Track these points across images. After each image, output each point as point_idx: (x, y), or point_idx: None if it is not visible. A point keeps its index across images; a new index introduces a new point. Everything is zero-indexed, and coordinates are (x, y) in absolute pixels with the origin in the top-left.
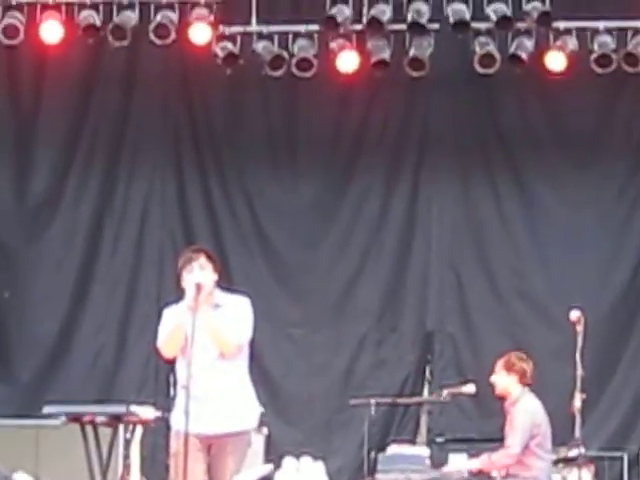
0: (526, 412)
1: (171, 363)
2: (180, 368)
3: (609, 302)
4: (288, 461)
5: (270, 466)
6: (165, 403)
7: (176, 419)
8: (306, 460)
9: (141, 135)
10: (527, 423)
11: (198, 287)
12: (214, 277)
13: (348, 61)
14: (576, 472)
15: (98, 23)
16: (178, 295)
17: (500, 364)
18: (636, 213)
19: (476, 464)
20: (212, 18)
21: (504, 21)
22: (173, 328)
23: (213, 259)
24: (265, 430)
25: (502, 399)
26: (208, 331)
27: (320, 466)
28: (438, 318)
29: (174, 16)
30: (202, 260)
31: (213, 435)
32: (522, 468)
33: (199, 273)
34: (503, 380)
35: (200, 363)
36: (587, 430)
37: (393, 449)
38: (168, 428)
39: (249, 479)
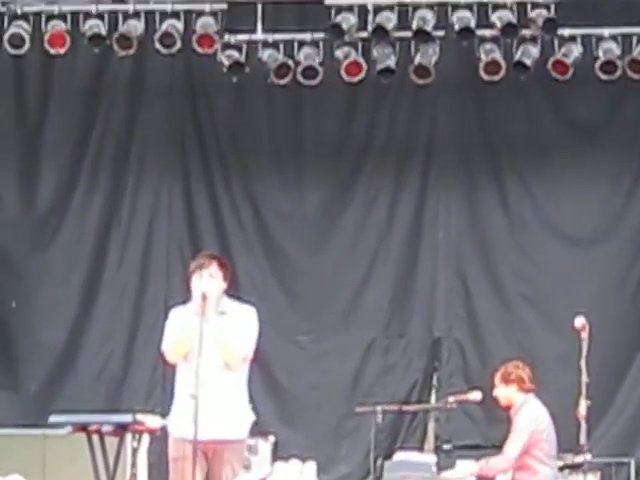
0: (527, 418)
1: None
2: (183, 374)
3: (617, 308)
4: (278, 465)
5: (269, 468)
6: None
7: (175, 425)
8: (295, 462)
9: (147, 144)
10: (527, 429)
11: (204, 297)
12: (223, 285)
13: (353, 69)
14: (582, 478)
15: (104, 32)
16: (185, 299)
17: (497, 377)
18: None
19: (475, 468)
20: (217, 27)
21: (509, 28)
22: (180, 336)
23: (225, 267)
24: (272, 437)
25: (508, 409)
26: (214, 340)
27: (311, 466)
28: (445, 325)
29: (179, 25)
30: (213, 268)
31: (210, 441)
32: (529, 473)
33: (208, 281)
34: (503, 392)
35: (204, 371)
36: (594, 436)
37: (400, 456)
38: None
39: None
